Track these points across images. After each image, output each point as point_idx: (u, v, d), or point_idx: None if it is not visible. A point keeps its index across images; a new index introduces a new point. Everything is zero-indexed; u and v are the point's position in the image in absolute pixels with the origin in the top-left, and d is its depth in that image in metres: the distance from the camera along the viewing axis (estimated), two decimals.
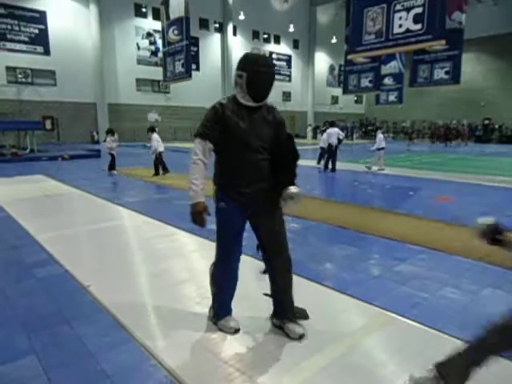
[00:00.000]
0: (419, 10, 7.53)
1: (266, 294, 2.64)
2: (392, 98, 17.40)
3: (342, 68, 18.69)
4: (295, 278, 2.55)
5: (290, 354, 2.28)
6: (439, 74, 13.25)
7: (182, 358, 2.25)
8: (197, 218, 2.21)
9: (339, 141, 11.62)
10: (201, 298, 2.97)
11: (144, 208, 6.20)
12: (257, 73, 2.15)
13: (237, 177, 2.28)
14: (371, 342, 2.42)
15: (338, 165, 11.78)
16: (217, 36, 29.61)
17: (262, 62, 2.18)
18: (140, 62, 26.09)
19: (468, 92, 30.81)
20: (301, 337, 2.41)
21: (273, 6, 32.39)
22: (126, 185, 8.91)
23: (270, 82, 2.22)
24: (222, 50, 29.73)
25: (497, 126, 29.97)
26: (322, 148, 12.13)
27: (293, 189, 2.29)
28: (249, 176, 2.27)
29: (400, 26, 7.85)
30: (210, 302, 2.64)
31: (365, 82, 14.76)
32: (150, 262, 3.86)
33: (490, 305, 2.94)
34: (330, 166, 11.53)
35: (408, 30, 7.75)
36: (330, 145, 11.45)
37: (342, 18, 12.08)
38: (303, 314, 2.61)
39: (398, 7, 7.75)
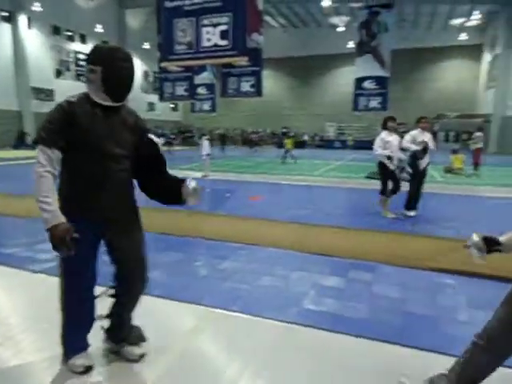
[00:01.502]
0: (224, 27, 8.19)
1: (102, 316, 2.23)
2: (206, 106, 18.35)
3: (157, 75, 18.65)
4: None
5: (125, 375, 2.14)
6: (245, 86, 14.72)
7: None
8: (60, 244, 1.75)
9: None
10: (2, 338, 2.47)
11: None
12: (115, 67, 1.87)
13: (89, 190, 1.94)
14: (203, 341, 2.51)
15: None
16: (6, 26, 25.22)
17: (121, 55, 1.91)
18: None
19: (271, 104, 35.53)
20: (141, 356, 2.24)
21: (76, 1, 29.72)
22: None
23: (131, 78, 1.96)
24: (15, 43, 25.50)
25: (292, 134, 35.41)
26: None
27: (191, 183, 2.09)
28: (104, 189, 1.96)
29: (208, 39, 8.36)
30: (13, 342, 2.23)
31: (180, 91, 15.14)
32: None
33: (299, 285, 3.45)
34: None
35: (216, 45, 8.33)
36: None
37: (154, 24, 12.04)
38: (140, 336, 2.31)
39: (206, 22, 8.25)
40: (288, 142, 17.41)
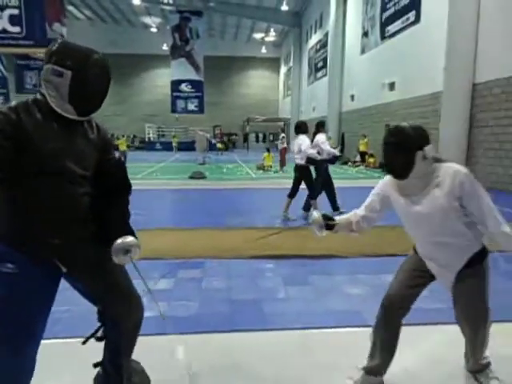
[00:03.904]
0: (15, 11, 7.03)
1: (97, 364, 1.88)
2: None
3: None
4: None
5: None
6: None
7: None
8: None
9: None
10: None
11: None
12: (90, 75, 1.45)
13: (40, 221, 1.48)
14: None
15: None
16: None
17: (98, 60, 1.49)
18: None
19: None
20: None
21: None
22: None
23: (106, 91, 1.55)
24: None
25: (122, 135, 33.27)
26: None
27: (127, 240, 1.64)
28: (61, 219, 1.51)
29: None
30: None
31: None
32: None
33: None
34: None
35: (5, 31, 7.09)
36: None
37: None
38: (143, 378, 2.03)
39: None
40: (121, 143, 16.23)
